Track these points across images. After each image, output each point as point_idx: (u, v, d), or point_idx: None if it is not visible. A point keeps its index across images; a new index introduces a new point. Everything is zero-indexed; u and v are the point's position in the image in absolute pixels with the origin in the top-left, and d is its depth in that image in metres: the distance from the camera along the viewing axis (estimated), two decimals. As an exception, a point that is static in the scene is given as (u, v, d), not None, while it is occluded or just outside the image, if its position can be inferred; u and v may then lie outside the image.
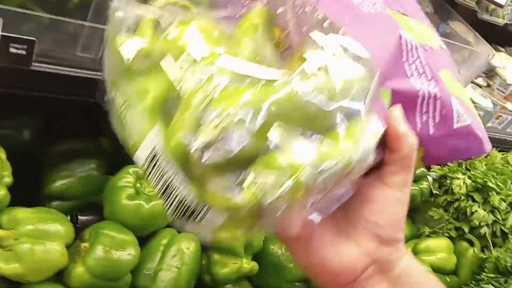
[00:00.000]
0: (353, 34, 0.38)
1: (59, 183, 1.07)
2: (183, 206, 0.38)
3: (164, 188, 0.40)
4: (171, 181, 0.39)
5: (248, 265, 1.09)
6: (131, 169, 1.05)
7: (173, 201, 0.39)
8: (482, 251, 1.50)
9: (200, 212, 0.38)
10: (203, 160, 0.34)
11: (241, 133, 0.33)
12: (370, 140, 0.37)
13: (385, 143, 0.41)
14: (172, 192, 0.39)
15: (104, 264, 0.95)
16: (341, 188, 0.39)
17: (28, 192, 1.10)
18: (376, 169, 0.42)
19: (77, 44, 0.91)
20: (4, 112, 1.08)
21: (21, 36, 0.83)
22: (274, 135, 0.34)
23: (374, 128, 0.38)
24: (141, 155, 0.43)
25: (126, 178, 1.04)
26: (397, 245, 0.43)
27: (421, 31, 0.45)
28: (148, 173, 0.41)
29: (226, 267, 1.07)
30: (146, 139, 0.42)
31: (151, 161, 0.42)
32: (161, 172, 0.40)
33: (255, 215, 0.36)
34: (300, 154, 0.34)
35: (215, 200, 0.36)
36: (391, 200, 0.42)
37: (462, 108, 0.43)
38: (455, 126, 0.43)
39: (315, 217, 0.39)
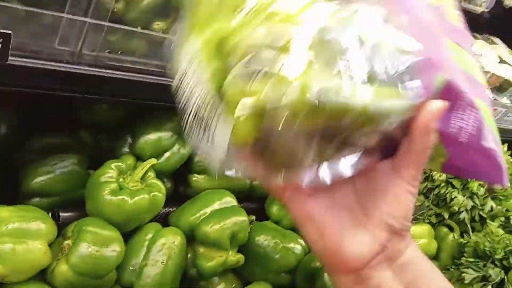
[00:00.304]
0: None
1: (38, 180, 1.04)
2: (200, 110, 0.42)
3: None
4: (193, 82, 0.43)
5: (234, 257, 1.09)
6: (113, 164, 1.03)
7: (192, 107, 0.42)
8: (462, 236, 1.53)
9: (212, 123, 0.41)
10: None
11: None
12: (397, 103, 0.37)
13: (407, 130, 0.41)
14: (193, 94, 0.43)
15: (88, 262, 0.93)
16: (354, 147, 0.39)
17: (6, 189, 1.07)
18: (389, 158, 0.43)
19: (55, 36, 0.89)
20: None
21: (-4, 29, 0.80)
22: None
23: (408, 95, 0.38)
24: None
25: (108, 173, 1.02)
26: (406, 235, 0.44)
27: (471, 64, 0.47)
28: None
29: (211, 260, 1.06)
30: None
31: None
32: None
33: (260, 129, 0.37)
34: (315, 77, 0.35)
35: (230, 90, 0.39)
36: (403, 192, 0.43)
37: (491, 133, 0.45)
38: (483, 143, 0.44)
39: (326, 175, 0.40)
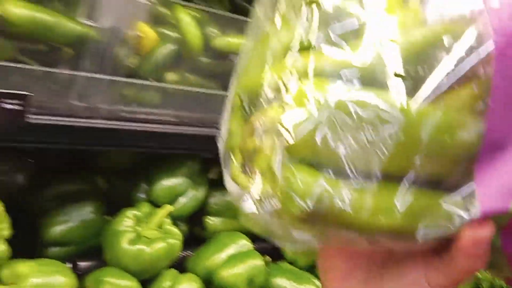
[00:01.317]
0: None
1: (57, 229, 1.05)
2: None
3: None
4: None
5: (251, 300, 1.09)
6: (130, 212, 1.05)
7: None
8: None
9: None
10: None
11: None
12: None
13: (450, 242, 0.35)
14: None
15: (109, 312, 0.94)
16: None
17: (24, 237, 1.08)
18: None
19: (71, 93, 0.91)
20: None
21: (15, 91, 0.82)
22: None
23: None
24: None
25: (125, 222, 1.03)
26: None
27: None
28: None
29: (229, 304, 1.07)
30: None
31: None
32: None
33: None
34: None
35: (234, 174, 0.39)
36: None
37: None
38: None
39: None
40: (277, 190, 0.34)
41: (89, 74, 0.89)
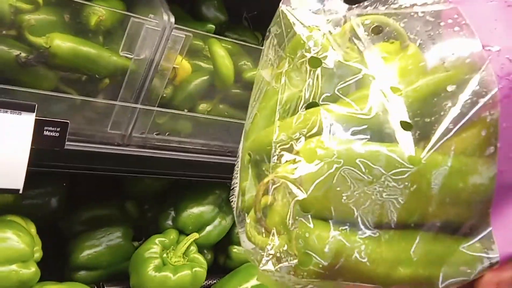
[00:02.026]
0: None
1: (86, 253, 1.08)
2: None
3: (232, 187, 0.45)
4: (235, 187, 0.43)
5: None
6: (157, 239, 1.06)
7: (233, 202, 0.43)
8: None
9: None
10: None
11: None
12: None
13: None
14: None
15: None
16: None
17: (54, 258, 1.11)
18: None
19: (107, 121, 0.94)
20: (32, 185, 1.09)
21: (55, 119, 0.85)
22: None
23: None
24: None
25: (152, 249, 1.04)
26: None
27: None
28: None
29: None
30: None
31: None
32: (235, 173, 0.44)
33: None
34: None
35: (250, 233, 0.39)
36: None
37: None
38: None
39: None
40: (293, 247, 0.34)
41: (124, 103, 0.92)
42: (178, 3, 1.11)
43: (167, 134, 1.01)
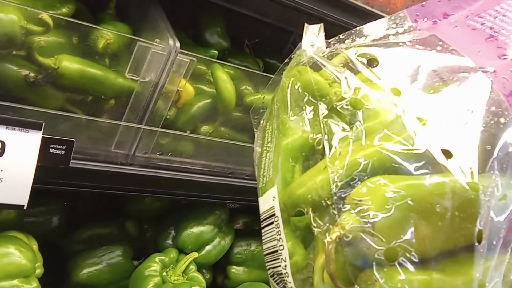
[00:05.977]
0: None
1: (86, 271, 1.09)
2: (280, 277, 0.40)
3: (270, 251, 0.42)
4: (277, 250, 0.40)
5: None
6: (157, 258, 1.07)
7: (275, 268, 0.41)
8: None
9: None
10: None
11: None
12: None
13: None
14: (276, 260, 0.41)
15: None
16: None
17: (54, 275, 1.12)
18: None
19: (112, 141, 0.96)
20: (34, 203, 1.11)
21: (61, 138, 0.87)
22: None
23: None
24: (261, 204, 0.44)
25: (152, 267, 1.06)
26: None
27: None
28: (262, 225, 0.44)
29: None
30: (266, 194, 0.43)
31: (267, 218, 0.43)
32: (272, 235, 0.42)
33: None
34: None
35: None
36: None
37: None
38: None
39: None
40: None
41: (129, 124, 0.94)
42: (182, 29, 1.15)
43: (169, 154, 1.03)
